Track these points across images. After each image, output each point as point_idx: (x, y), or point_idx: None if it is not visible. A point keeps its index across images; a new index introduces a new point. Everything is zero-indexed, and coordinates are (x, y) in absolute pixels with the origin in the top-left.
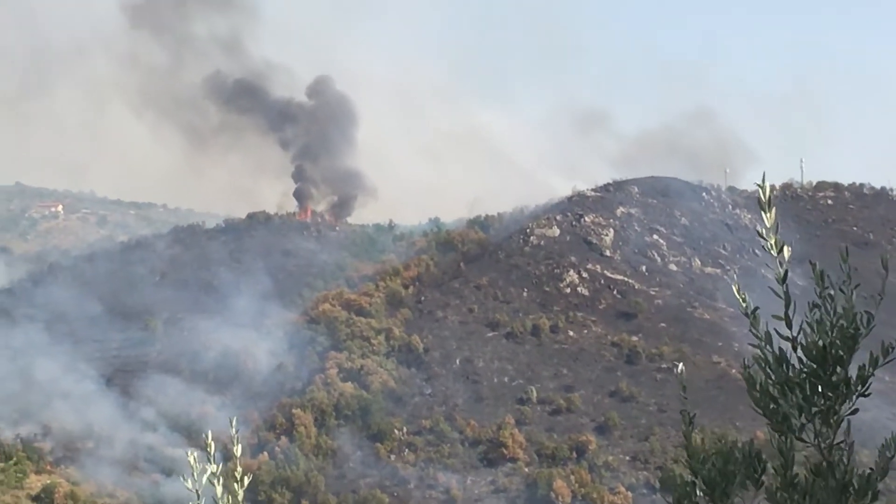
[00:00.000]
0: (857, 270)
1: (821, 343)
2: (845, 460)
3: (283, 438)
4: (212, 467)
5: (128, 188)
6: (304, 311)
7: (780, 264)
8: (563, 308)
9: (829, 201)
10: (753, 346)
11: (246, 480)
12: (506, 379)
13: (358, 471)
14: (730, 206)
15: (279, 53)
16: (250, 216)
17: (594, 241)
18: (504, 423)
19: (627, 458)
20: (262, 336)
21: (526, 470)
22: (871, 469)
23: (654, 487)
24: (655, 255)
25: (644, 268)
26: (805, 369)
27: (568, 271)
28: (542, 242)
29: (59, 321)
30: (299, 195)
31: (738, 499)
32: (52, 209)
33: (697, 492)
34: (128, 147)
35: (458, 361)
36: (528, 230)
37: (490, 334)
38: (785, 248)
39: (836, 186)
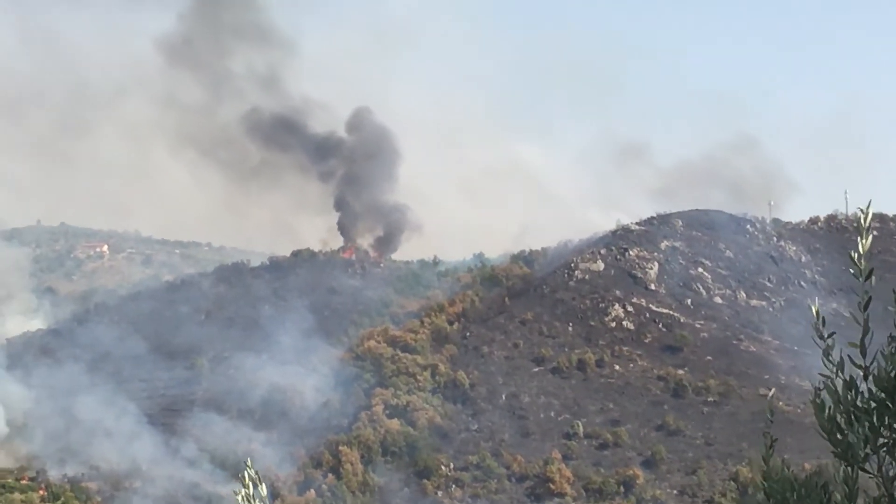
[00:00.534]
0: None
1: (893, 374)
2: None
3: (330, 476)
4: None
5: (172, 227)
6: (350, 348)
7: (866, 292)
8: (609, 342)
9: (875, 232)
10: (823, 375)
11: None
12: (552, 414)
13: None
14: (774, 238)
15: (317, 89)
16: (295, 254)
17: (639, 274)
18: (551, 458)
19: (675, 491)
20: (307, 373)
21: None
22: None
23: None
24: (700, 287)
25: (689, 301)
26: (874, 399)
27: (613, 305)
28: (587, 277)
29: (105, 361)
30: (343, 231)
31: None
32: (98, 249)
33: None
34: (170, 187)
35: (503, 397)
36: (572, 264)
37: (536, 369)
38: (871, 276)
39: (882, 217)
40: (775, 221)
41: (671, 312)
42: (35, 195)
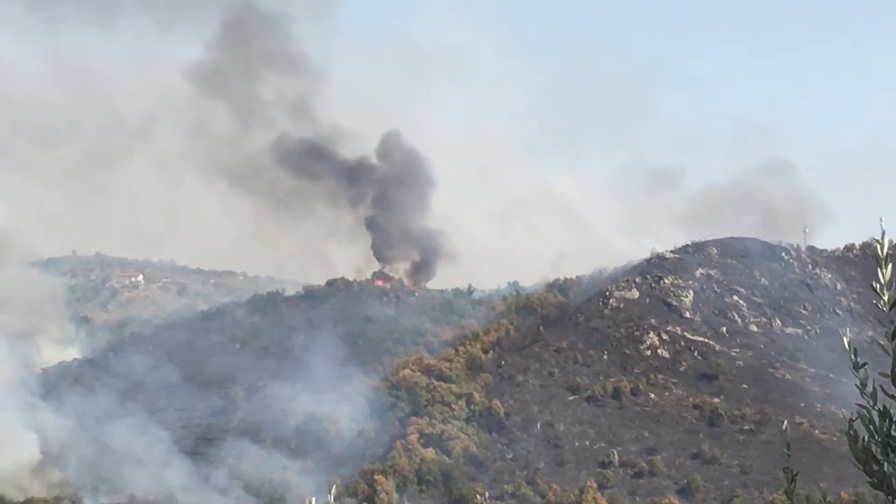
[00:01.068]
0: None
1: None
2: None
3: None
4: None
5: (205, 257)
6: (385, 377)
7: (892, 321)
8: (644, 370)
9: None
10: (860, 405)
11: None
12: (587, 442)
13: None
14: (809, 266)
15: (347, 118)
16: (329, 283)
17: (674, 302)
18: (586, 486)
19: None
20: (342, 402)
21: None
22: None
23: None
24: (735, 315)
25: (724, 329)
26: None
27: (648, 333)
28: (622, 305)
29: (139, 390)
30: (378, 258)
31: None
32: (133, 279)
33: None
34: (202, 216)
35: (539, 425)
36: (607, 293)
37: (571, 398)
38: None
39: None
40: (810, 249)
41: (706, 340)
42: (69, 225)
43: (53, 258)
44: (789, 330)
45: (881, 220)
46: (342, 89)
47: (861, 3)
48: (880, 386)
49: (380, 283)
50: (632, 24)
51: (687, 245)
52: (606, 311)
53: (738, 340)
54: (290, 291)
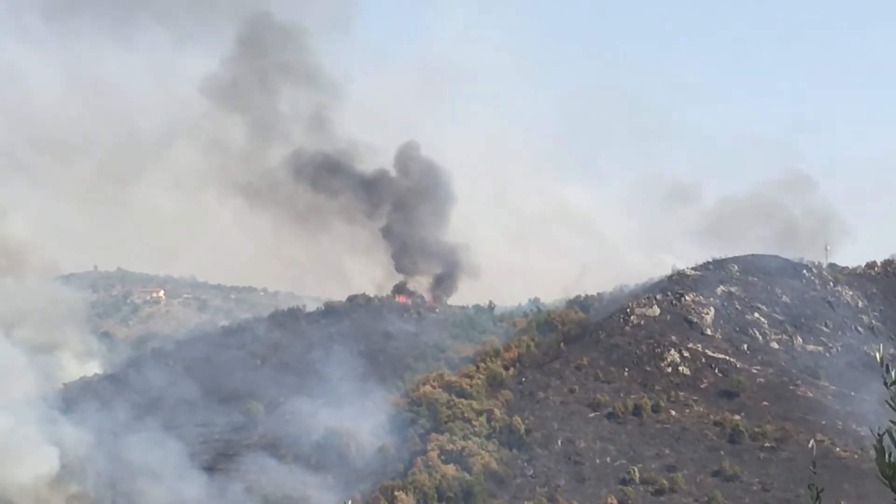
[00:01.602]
0: None
1: None
2: None
3: None
4: None
5: (226, 272)
6: (406, 393)
7: None
8: (665, 387)
9: None
10: (894, 421)
11: None
12: (608, 459)
13: None
14: (831, 283)
15: (364, 132)
16: (350, 299)
17: (695, 319)
18: (607, 503)
19: None
20: (363, 418)
21: None
22: None
23: None
24: (756, 333)
25: (745, 346)
26: None
27: (669, 350)
28: (643, 322)
29: (160, 405)
30: (397, 271)
31: None
32: (154, 294)
33: None
34: (222, 231)
35: (559, 442)
36: (628, 310)
37: (592, 414)
38: None
39: None
40: (832, 266)
41: (727, 357)
42: (90, 240)
43: (75, 273)
44: (810, 347)
45: None
46: (359, 103)
47: (882, 13)
48: None
49: (401, 299)
50: (650, 40)
51: (708, 262)
52: (627, 327)
53: (759, 357)
54: (311, 307)
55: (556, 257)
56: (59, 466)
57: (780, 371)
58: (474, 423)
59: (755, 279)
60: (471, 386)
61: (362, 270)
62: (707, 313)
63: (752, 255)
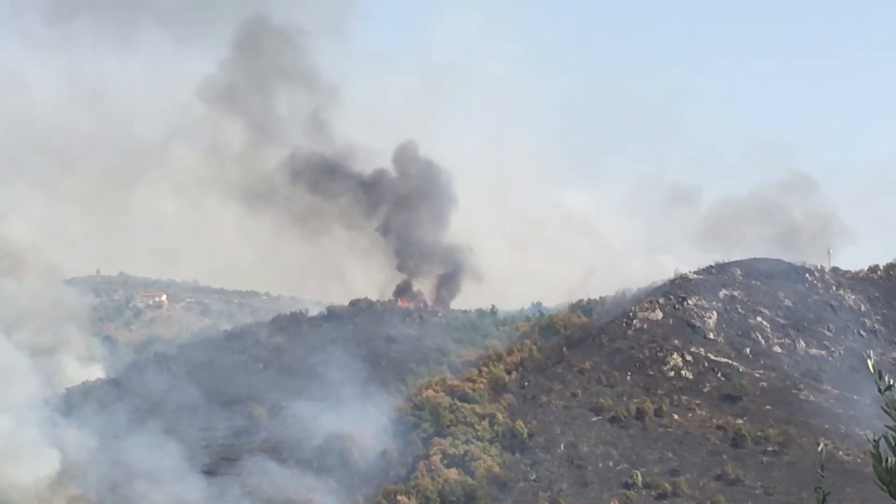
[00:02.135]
0: None
1: None
2: None
3: None
4: None
5: (228, 277)
6: (408, 397)
7: None
8: (668, 391)
9: None
10: (889, 427)
11: None
12: (610, 463)
13: None
14: (833, 287)
15: (364, 135)
16: (353, 303)
17: (697, 323)
18: None
19: None
20: (366, 422)
21: None
22: None
23: None
24: (759, 337)
25: (748, 350)
26: None
27: (671, 354)
28: (645, 326)
29: (162, 409)
30: (399, 270)
31: None
32: (156, 299)
33: None
34: (224, 235)
35: (562, 446)
36: (630, 313)
37: (594, 418)
38: None
39: None
40: (834, 270)
41: (730, 361)
42: (93, 245)
43: (77, 277)
44: (813, 351)
45: None
46: (358, 106)
47: (883, 15)
48: None
49: (403, 303)
50: (652, 43)
51: (710, 266)
52: (630, 331)
53: (762, 361)
54: (313, 311)
55: (558, 261)
56: (59, 469)
57: (783, 375)
58: (477, 427)
59: (757, 283)
60: (473, 390)
61: (363, 272)
62: (709, 317)
63: (755, 258)
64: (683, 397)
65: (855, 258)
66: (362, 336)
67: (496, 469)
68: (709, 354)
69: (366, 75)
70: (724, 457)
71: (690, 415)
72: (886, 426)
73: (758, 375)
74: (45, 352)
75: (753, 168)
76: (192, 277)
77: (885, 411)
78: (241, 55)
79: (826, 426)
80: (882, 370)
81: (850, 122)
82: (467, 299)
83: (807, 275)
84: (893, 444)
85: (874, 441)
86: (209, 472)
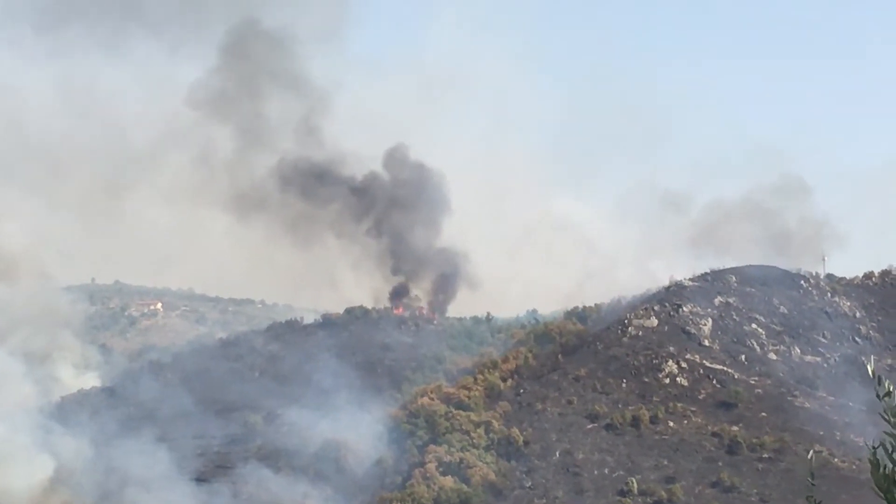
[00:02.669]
0: None
1: None
2: None
3: None
4: None
5: (223, 285)
6: (403, 405)
7: None
8: (663, 399)
9: None
10: (887, 433)
11: None
12: (606, 470)
13: None
14: (828, 294)
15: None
16: (348, 311)
17: (693, 330)
18: None
19: None
20: (361, 430)
21: None
22: None
23: None
24: (754, 343)
25: (743, 357)
26: None
27: (667, 361)
28: (641, 333)
29: (158, 417)
30: (393, 273)
31: None
32: (152, 307)
33: None
34: (217, 244)
35: (558, 453)
36: (626, 321)
37: (590, 426)
38: None
39: None
40: (829, 277)
41: (725, 368)
42: (86, 253)
43: (72, 286)
44: (808, 358)
45: None
46: (352, 111)
47: (882, 19)
48: None
49: (398, 311)
50: (645, 48)
51: (705, 273)
52: (625, 339)
53: (757, 368)
54: (308, 319)
55: (553, 268)
56: (53, 476)
57: (778, 382)
58: (472, 434)
59: (752, 290)
60: (469, 397)
61: (357, 278)
62: (704, 324)
63: (750, 265)
64: (679, 404)
65: (850, 265)
66: (357, 344)
67: (492, 476)
68: (704, 361)
69: (359, 80)
70: (720, 464)
71: (686, 422)
72: (884, 432)
73: (753, 382)
74: (40, 359)
75: (747, 172)
76: (187, 286)
77: (884, 417)
78: (231, 60)
79: (821, 433)
80: (881, 376)
81: (845, 128)
82: (462, 307)
83: (801, 281)
84: (891, 450)
85: (872, 448)
86: (204, 479)
